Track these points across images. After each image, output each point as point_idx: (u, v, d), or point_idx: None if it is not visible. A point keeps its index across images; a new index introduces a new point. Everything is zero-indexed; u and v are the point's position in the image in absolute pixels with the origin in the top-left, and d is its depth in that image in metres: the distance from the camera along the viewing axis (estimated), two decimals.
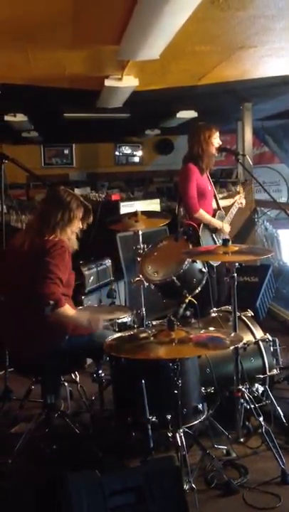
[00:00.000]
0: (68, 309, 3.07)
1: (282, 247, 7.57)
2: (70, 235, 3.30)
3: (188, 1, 2.59)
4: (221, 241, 4.24)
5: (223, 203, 4.59)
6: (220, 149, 4.38)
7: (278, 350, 3.59)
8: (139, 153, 9.23)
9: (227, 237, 3.88)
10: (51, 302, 2.95)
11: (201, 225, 4.21)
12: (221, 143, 4.35)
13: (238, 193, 4.75)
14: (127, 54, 3.50)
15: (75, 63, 3.99)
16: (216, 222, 4.34)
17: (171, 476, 2.24)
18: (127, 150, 9.17)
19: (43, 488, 2.19)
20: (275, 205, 5.21)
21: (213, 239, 4.29)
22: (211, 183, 4.50)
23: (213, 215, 4.38)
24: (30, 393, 3.71)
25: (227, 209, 4.57)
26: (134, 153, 9.21)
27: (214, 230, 4.33)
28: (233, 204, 4.61)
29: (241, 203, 4.64)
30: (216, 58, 4.05)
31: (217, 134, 4.31)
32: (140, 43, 3.22)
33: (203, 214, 4.24)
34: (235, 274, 3.28)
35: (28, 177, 7.31)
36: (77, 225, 3.33)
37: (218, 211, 4.47)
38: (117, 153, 9.09)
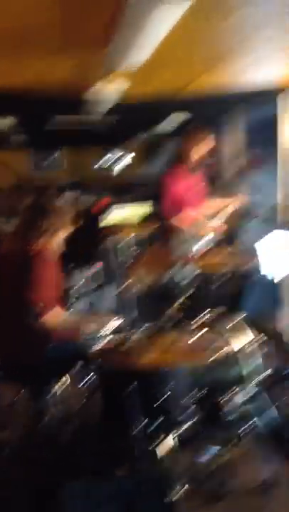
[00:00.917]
0: (55, 316, 3.07)
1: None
2: (58, 239, 3.30)
3: (172, 9, 2.62)
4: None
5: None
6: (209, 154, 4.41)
7: (272, 351, 3.60)
8: (128, 157, 9.24)
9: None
10: (36, 309, 2.95)
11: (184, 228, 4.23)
12: (209, 147, 4.38)
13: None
14: (113, 62, 3.52)
15: (62, 69, 4.01)
16: (198, 224, 4.33)
17: (163, 481, 2.26)
18: (115, 155, 9.18)
19: (37, 496, 2.19)
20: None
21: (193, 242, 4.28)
22: (204, 187, 4.51)
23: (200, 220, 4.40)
24: (18, 399, 3.71)
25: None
26: (123, 158, 9.21)
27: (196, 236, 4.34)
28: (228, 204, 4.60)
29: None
30: (206, 64, 4.07)
31: (207, 138, 4.34)
32: (126, 52, 3.25)
33: (176, 222, 4.25)
34: (226, 277, 3.31)
35: (16, 181, 7.31)
36: (65, 230, 3.32)
37: (207, 215, 4.50)
38: (106, 157, 9.09)
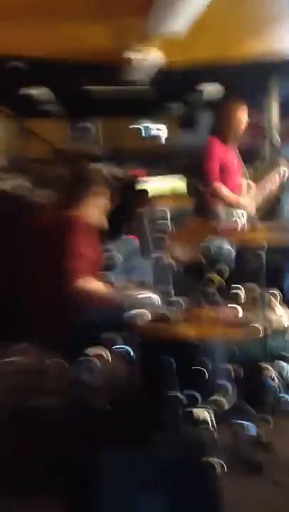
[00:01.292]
0: (90, 282, 3.06)
1: None
2: (95, 211, 3.28)
3: None
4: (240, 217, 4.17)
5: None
6: (248, 126, 4.30)
7: None
8: (164, 129, 9.13)
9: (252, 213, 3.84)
10: (72, 278, 2.95)
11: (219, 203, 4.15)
12: (247, 119, 4.27)
13: (279, 166, 4.54)
14: (153, 27, 3.44)
15: (98, 36, 3.94)
16: (234, 197, 4.25)
17: (200, 453, 2.26)
18: (151, 126, 9.07)
19: (74, 466, 2.22)
20: None
21: (230, 216, 4.19)
22: (241, 160, 4.42)
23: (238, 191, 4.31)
24: (53, 369, 3.75)
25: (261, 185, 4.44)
26: (159, 128, 9.11)
27: (235, 207, 4.24)
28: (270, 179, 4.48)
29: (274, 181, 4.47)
30: (245, 33, 3.96)
31: (243, 109, 4.24)
32: (167, 17, 3.16)
33: (221, 188, 4.17)
34: (263, 253, 3.25)
35: (52, 152, 7.31)
36: (102, 202, 3.30)
37: (247, 185, 4.39)
38: (141, 128, 9.00)
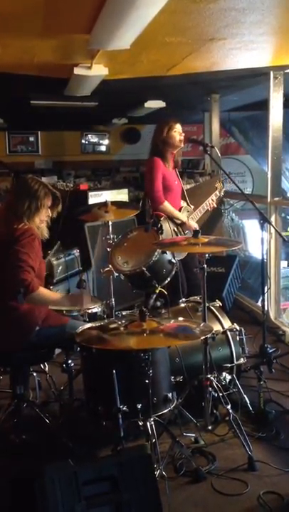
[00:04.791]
0: (43, 289, 3.09)
1: (247, 238, 7.69)
2: (39, 223, 3.27)
3: None
4: (183, 234, 4.33)
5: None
6: (188, 140, 4.41)
7: (244, 339, 3.66)
8: (106, 142, 9.18)
9: (195, 228, 3.95)
10: (22, 290, 2.94)
11: (162, 217, 4.25)
12: (183, 134, 4.37)
13: (215, 188, 4.72)
14: (97, 43, 3.47)
15: (44, 51, 3.94)
16: (180, 215, 4.38)
17: (143, 464, 2.28)
18: (93, 139, 9.10)
19: (18, 480, 2.19)
20: (242, 197, 5.27)
21: (173, 232, 4.31)
22: (179, 178, 4.55)
23: (180, 211, 4.43)
24: None
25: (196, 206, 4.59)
26: (101, 142, 9.14)
27: (178, 224, 4.37)
28: (204, 202, 4.62)
29: (210, 204, 4.63)
30: (186, 49, 4.06)
31: (177, 126, 4.35)
32: (111, 33, 3.20)
33: (167, 206, 4.29)
34: (205, 265, 3.33)
35: None
36: (45, 214, 3.30)
37: (186, 206, 4.52)
38: (83, 141, 9.01)
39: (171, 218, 4.32)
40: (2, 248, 3.08)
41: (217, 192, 4.68)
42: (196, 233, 3.30)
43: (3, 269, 3.01)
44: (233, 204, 6.95)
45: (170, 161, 4.41)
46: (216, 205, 4.70)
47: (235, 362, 3.59)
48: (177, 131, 4.34)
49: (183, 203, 4.55)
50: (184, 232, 4.37)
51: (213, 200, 4.61)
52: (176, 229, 4.34)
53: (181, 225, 4.38)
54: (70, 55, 4.04)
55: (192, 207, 4.56)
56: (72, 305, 3.31)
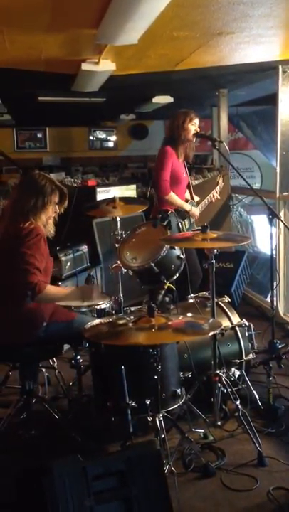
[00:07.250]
0: (51, 287, 3.07)
1: (256, 233, 7.67)
2: (46, 220, 3.23)
3: None
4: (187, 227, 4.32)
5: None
6: (196, 135, 4.39)
7: (253, 335, 3.66)
8: (114, 138, 9.17)
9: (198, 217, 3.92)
10: (29, 292, 2.94)
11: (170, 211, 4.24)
12: (198, 129, 4.36)
13: (217, 183, 4.75)
14: (105, 38, 3.46)
15: (52, 47, 3.93)
16: (184, 204, 4.36)
17: (153, 460, 2.27)
18: (101, 135, 9.10)
19: (25, 475, 2.19)
20: (250, 192, 5.26)
21: (178, 226, 4.31)
22: (187, 171, 4.53)
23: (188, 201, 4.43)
24: (7, 379, 3.72)
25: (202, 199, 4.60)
26: (109, 137, 9.14)
27: (183, 217, 4.35)
28: (208, 195, 4.63)
29: (214, 196, 4.66)
30: (194, 44, 4.04)
31: (196, 120, 4.33)
32: (119, 28, 3.19)
33: (173, 197, 4.27)
34: (214, 261, 3.31)
35: (0, 161, 7.21)
36: (52, 210, 3.25)
37: (190, 200, 4.51)
38: (91, 137, 9.01)
39: (176, 210, 4.29)
40: (9, 246, 3.07)
41: (218, 188, 4.71)
42: (204, 228, 3.28)
43: (9, 267, 3.00)
44: (242, 199, 6.93)
45: (182, 152, 4.39)
46: (218, 197, 4.71)
47: (244, 357, 3.58)
48: (195, 125, 4.32)
49: (187, 195, 4.54)
50: (186, 226, 4.35)
51: (216, 192, 4.67)
52: (180, 224, 4.32)
53: (187, 216, 4.38)
54: (78, 50, 4.03)
55: (197, 199, 4.56)
56: (81, 298, 3.29)
